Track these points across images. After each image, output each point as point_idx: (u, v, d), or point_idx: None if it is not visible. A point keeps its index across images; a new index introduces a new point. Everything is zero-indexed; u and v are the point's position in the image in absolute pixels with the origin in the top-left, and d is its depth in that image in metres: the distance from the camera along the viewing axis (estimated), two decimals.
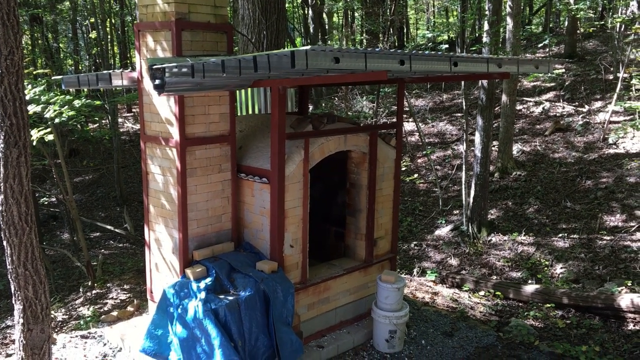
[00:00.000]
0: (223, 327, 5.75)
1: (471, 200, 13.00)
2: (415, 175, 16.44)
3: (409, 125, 19.63)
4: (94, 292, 9.68)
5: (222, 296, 5.94)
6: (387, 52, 4.96)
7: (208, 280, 6.01)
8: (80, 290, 9.83)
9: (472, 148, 13.56)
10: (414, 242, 13.65)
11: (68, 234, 15.04)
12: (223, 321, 5.77)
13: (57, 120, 7.67)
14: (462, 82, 15.73)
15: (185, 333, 5.85)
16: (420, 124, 18.99)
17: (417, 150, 18.24)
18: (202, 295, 5.85)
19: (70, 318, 8.75)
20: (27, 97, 7.67)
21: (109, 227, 14.29)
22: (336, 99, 19.92)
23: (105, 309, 8.89)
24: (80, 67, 23.60)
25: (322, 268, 7.12)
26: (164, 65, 5.22)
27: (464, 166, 14.11)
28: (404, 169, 16.88)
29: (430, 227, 14.39)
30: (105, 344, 6.92)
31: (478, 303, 9.22)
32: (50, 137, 7.31)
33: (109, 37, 20.54)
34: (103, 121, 19.37)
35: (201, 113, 6.08)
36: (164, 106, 6.03)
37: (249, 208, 6.57)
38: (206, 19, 5.99)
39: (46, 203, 16.24)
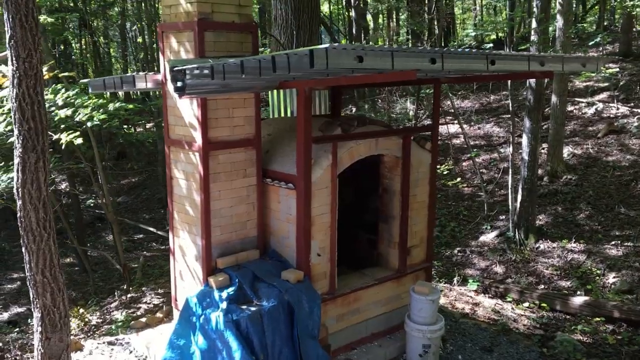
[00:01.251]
0: (245, 339, 5.48)
1: (518, 205, 12.41)
2: (459, 179, 15.87)
3: (453, 127, 19.05)
4: (129, 296, 9.61)
5: (244, 306, 5.67)
6: (417, 50, 4.59)
7: (230, 289, 5.76)
8: (116, 293, 9.76)
9: (520, 151, 12.96)
10: (458, 248, 13.13)
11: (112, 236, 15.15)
12: (245, 333, 5.50)
13: (89, 124, 7.58)
14: (509, 82, 15.10)
15: (206, 344, 5.61)
16: (465, 126, 18.39)
17: (461, 153, 17.65)
18: (224, 305, 5.59)
19: (104, 322, 8.67)
20: (60, 101, 7.61)
21: (151, 229, 14.29)
22: (379, 101, 19.51)
23: (139, 313, 8.78)
24: (128, 71, 23.94)
25: (352, 277, 6.78)
26: (184, 67, 5.00)
27: (510, 170, 13.50)
28: (446, 172, 16.33)
29: (474, 233, 13.83)
30: (131, 352, 6.77)
31: (522, 315, 8.69)
32: (79, 140, 7.22)
33: (154, 41, 20.73)
34: (148, 125, 19.51)
35: (225, 116, 5.84)
36: (187, 109, 5.81)
37: (275, 215, 6.28)
38: (230, 19, 5.74)
39: (92, 205, 16.42)
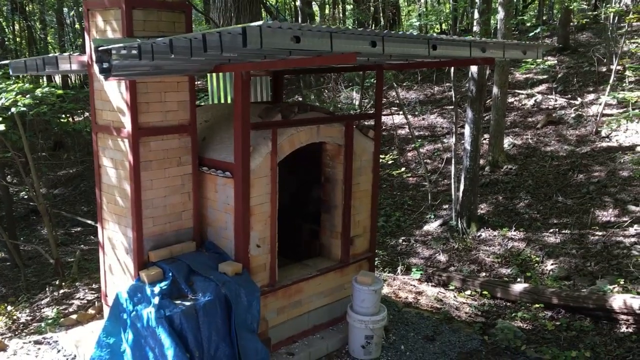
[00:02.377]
0: (178, 336, 5.14)
1: (461, 194, 12.44)
2: (403, 169, 15.82)
3: (398, 118, 19.02)
4: (61, 291, 9.07)
5: (178, 301, 5.33)
6: (357, 31, 4.34)
7: (164, 284, 5.40)
8: (46, 289, 9.22)
9: (462, 141, 12.98)
10: (402, 238, 13.07)
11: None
12: (178, 329, 5.17)
13: (13, 110, 7.04)
14: (451, 73, 15.11)
15: (137, 342, 5.25)
16: (410, 117, 18.38)
17: (406, 143, 17.63)
18: (156, 300, 5.24)
19: (33, 320, 8.13)
20: None
21: (89, 221, 13.65)
22: (325, 90, 19.27)
23: (71, 310, 8.28)
24: None
25: (294, 269, 6.52)
26: (110, 47, 4.60)
27: (453, 160, 13.51)
28: (391, 162, 16.26)
29: (419, 222, 13.81)
30: (59, 351, 6.33)
31: (464, 303, 8.63)
32: (1, 127, 6.68)
33: None
34: (87, 113, 18.68)
35: (157, 100, 5.46)
36: (115, 93, 5.41)
37: (212, 205, 5.95)
38: None
39: (26, 197, 15.60)
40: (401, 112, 18.47)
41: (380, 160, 15.11)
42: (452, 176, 13.37)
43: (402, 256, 11.96)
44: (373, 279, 6.32)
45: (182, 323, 5.16)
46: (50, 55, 5.71)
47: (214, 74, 7.80)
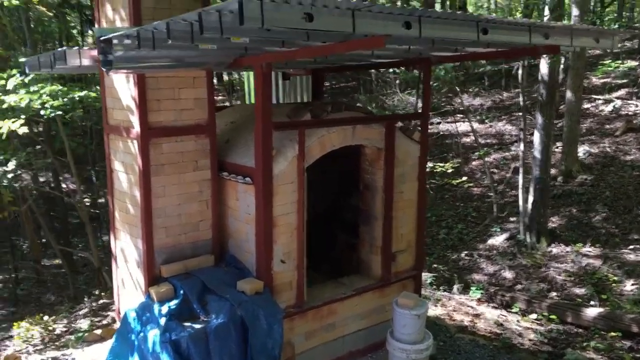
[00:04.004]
0: None
1: (530, 206, 11.34)
2: (465, 178, 14.72)
3: (463, 126, 17.89)
4: (100, 302, 8.66)
5: (188, 323, 4.65)
6: (387, 9, 3.52)
7: (173, 303, 4.74)
8: (85, 300, 8.83)
9: (532, 149, 11.84)
10: (465, 252, 12.03)
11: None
12: (185, 355, 4.49)
13: (42, 113, 6.63)
14: (519, 74, 13.91)
15: None
16: (475, 124, 17.24)
17: (471, 151, 16.50)
18: (162, 321, 4.59)
19: (67, 332, 7.72)
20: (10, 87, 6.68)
21: None
22: (386, 98, 18.38)
23: (105, 322, 7.83)
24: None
25: (327, 287, 5.73)
26: (109, 36, 4.02)
27: (521, 169, 12.37)
28: (451, 170, 15.15)
29: (483, 236, 12.73)
30: None
31: (528, 328, 7.56)
32: (24, 129, 6.27)
33: None
34: None
35: (170, 97, 4.83)
36: (125, 89, 4.83)
37: (233, 214, 5.27)
38: None
39: (88, 204, 15.54)
40: (466, 120, 17.36)
41: (440, 168, 14.10)
42: (520, 187, 12.23)
43: (464, 272, 10.96)
44: (416, 301, 5.44)
45: (190, 348, 4.48)
46: (59, 50, 5.20)
47: (251, 72, 7.18)
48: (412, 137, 5.91)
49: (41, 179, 12.01)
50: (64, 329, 7.93)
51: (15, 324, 7.84)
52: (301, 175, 5.10)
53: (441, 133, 17.68)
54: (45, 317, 8.13)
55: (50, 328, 7.88)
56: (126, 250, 5.23)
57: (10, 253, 11.71)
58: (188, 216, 5.10)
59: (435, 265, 11.21)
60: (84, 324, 7.79)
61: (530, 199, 11.32)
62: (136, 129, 4.72)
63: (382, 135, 5.63)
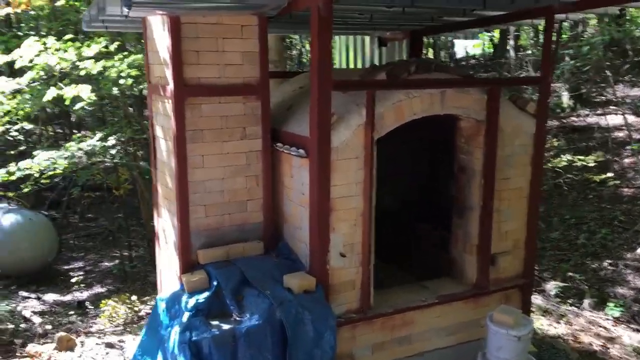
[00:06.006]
0: None
1: None
2: (610, 174, 12.50)
3: (616, 119, 15.43)
4: None
5: (216, 322, 3.74)
6: None
7: (203, 296, 3.85)
8: None
9: None
10: (608, 261, 10.08)
11: None
12: None
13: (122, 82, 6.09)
14: None
15: None
16: (632, 117, 14.78)
17: (622, 147, 14.13)
18: (185, 317, 3.71)
19: (135, 316, 7.25)
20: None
21: None
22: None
23: None
24: None
25: (403, 291, 4.53)
26: None
27: None
28: (593, 164, 12.92)
29: (632, 244, 10.66)
30: (125, 358, 5.16)
31: None
32: (91, 93, 5.76)
33: None
34: None
35: (211, 49, 3.94)
36: (161, 39, 4.01)
37: (288, 194, 4.27)
38: None
39: None
40: (620, 112, 14.91)
41: (581, 162, 12.08)
42: None
43: (604, 283, 9.13)
44: (518, 318, 4.09)
45: (213, 353, 3.56)
46: None
47: (342, 37, 6.16)
48: (525, 109, 4.51)
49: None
50: (149, 311, 7.46)
51: (103, 301, 7.52)
52: (369, 148, 3.97)
53: (591, 126, 15.43)
54: (134, 297, 7.74)
55: (135, 309, 7.46)
56: (166, 230, 4.44)
57: (126, 230, 11.69)
58: (233, 193, 4.18)
59: (571, 274, 9.52)
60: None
61: None
62: (170, 85, 3.88)
63: (483, 104, 4.31)
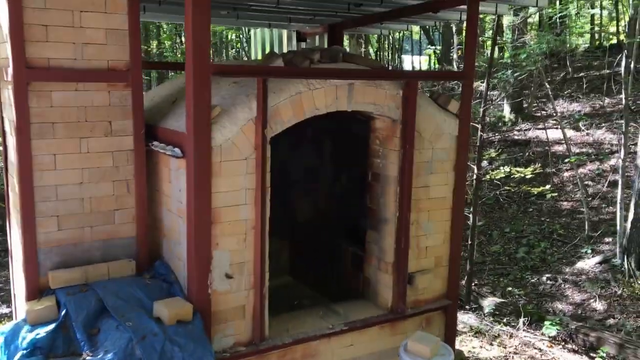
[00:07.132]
0: None
1: (629, 225, 9.03)
2: (548, 187, 12.26)
3: (555, 133, 15.35)
4: None
5: None
6: None
7: (44, 330, 3.02)
8: None
9: (635, 160, 9.45)
10: (547, 275, 9.77)
11: None
12: None
13: None
14: (622, 70, 11.32)
15: None
16: (571, 132, 14.71)
17: (562, 161, 14.00)
18: (16, 359, 2.89)
19: None
20: None
21: None
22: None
23: None
24: None
25: (307, 316, 3.82)
26: None
27: (620, 181, 9.91)
28: (530, 176, 12.64)
29: (570, 257, 10.42)
30: None
31: None
32: None
33: None
34: None
35: (64, 24, 3.16)
36: (3, 12, 3.20)
37: (167, 203, 3.51)
38: None
39: None
40: (558, 127, 14.81)
41: (518, 174, 11.79)
42: (619, 202, 9.81)
43: (544, 298, 8.78)
44: (436, 347, 3.42)
45: None
46: None
47: (257, 30, 5.50)
48: (446, 108, 3.89)
49: None
50: None
51: None
52: (262, 149, 3.25)
53: (532, 140, 15.32)
54: None
55: None
56: (15, 247, 3.60)
57: None
58: (96, 202, 3.38)
59: (510, 289, 9.12)
60: None
61: (631, 216, 8.99)
62: (10, 66, 3.08)
63: (398, 100, 3.67)
